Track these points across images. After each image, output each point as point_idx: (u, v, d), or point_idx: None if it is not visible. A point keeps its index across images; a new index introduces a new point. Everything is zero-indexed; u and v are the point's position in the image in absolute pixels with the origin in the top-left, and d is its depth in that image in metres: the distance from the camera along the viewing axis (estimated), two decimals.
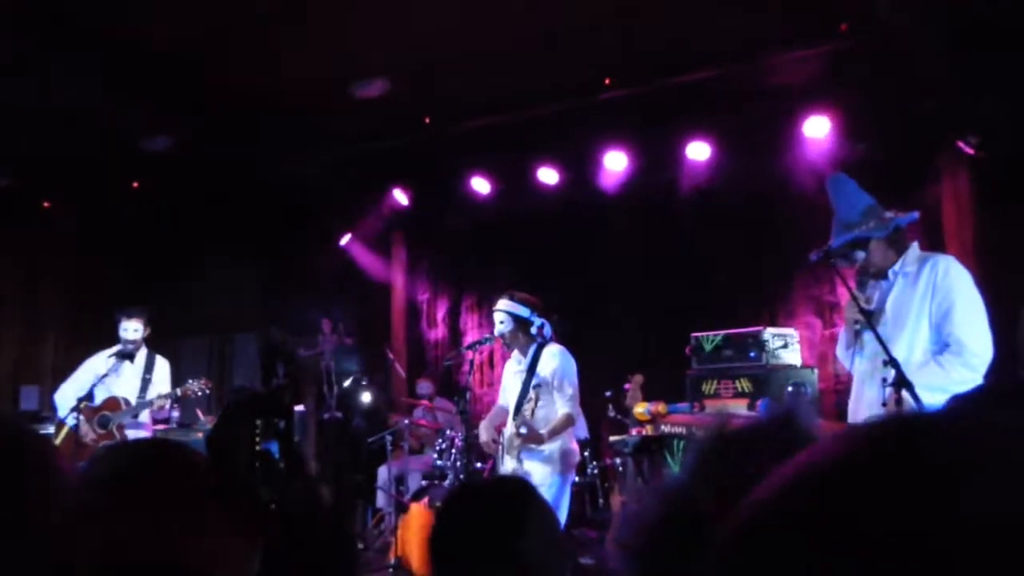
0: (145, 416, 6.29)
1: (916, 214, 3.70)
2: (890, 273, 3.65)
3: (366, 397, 8.46)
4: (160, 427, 6.88)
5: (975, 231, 6.46)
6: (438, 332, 9.58)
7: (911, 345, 3.49)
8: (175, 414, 7.07)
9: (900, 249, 3.64)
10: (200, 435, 7.07)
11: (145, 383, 6.28)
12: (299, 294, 8.99)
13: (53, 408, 6.52)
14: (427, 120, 7.59)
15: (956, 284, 3.50)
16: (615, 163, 7.59)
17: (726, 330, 6.08)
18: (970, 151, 6.37)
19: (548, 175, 7.97)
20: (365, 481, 7.96)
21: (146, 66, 6.49)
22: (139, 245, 9.63)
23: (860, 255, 3.62)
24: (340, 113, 7.31)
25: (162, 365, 6.42)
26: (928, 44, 5.81)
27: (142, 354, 6.34)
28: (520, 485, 1.90)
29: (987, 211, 6.44)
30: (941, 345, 3.48)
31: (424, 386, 8.51)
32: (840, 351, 3.88)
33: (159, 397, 6.22)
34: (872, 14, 5.43)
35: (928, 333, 3.50)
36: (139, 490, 1.19)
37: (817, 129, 6.71)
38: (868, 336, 3.49)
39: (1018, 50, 5.67)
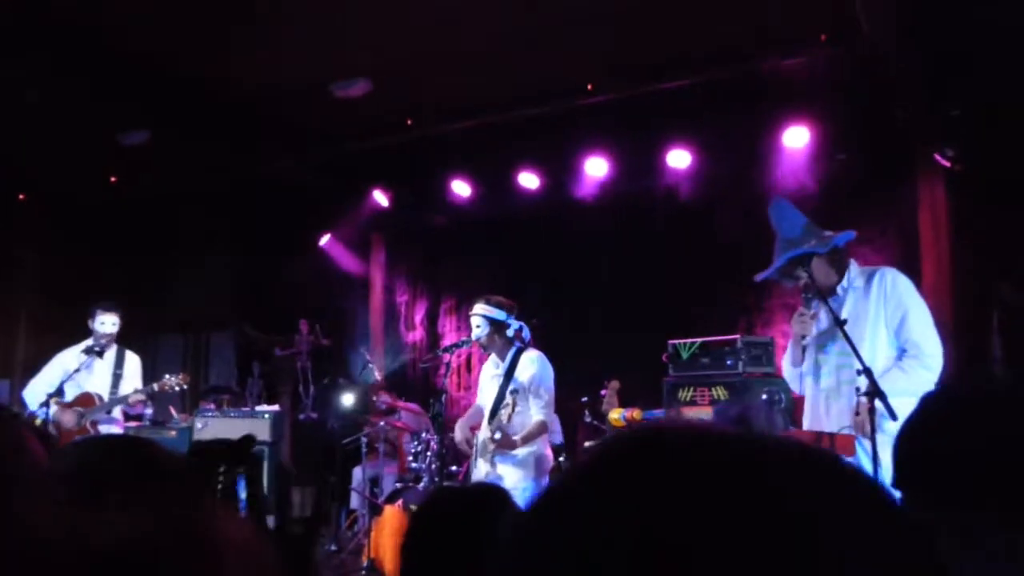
0: (117, 412, 6.23)
1: (852, 233, 3.84)
2: (839, 289, 3.77)
3: (343, 398, 8.41)
4: (133, 424, 6.81)
5: (951, 242, 6.52)
6: (416, 334, 9.55)
7: (873, 354, 3.60)
8: (148, 411, 7.00)
9: (840, 267, 3.78)
10: (173, 433, 7.00)
11: (116, 378, 6.22)
12: (276, 294, 8.94)
13: (22, 403, 6.44)
14: (409, 122, 7.57)
15: (906, 292, 3.67)
16: (596, 169, 7.60)
17: (703, 337, 6.10)
18: (946, 163, 6.43)
19: (529, 179, 7.97)
20: (339, 482, 7.92)
21: (126, 61, 6.44)
22: (114, 240, 9.53)
23: (803, 274, 3.72)
24: (322, 113, 7.27)
25: (132, 360, 6.35)
26: (903, 58, 5.87)
27: (112, 349, 6.27)
28: (495, 492, 1.89)
29: (963, 222, 6.50)
30: (899, 350, 3.62)
31: (382, 401, 8.44)
32: (787, 370, 3.94)
33: (135, 392, 6.15)
34: (852, 25, 5.47)
35: (887, 340, 3.63)
36: (106, 485, 1.17)
37: (797, 139, 6.75)
38: (826, 353, 3.58)
39: (989, 67, 5.74)
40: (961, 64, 5.95)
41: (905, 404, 3.40)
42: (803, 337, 3.67)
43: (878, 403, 3.12)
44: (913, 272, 6.12)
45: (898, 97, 6.30)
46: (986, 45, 5.61)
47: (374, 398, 8.32)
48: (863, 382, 3.21)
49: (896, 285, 3.67)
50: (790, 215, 3.83)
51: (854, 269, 3.78)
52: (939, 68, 6.02)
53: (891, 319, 3.62)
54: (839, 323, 3.47)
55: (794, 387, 3.99)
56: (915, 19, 5.47)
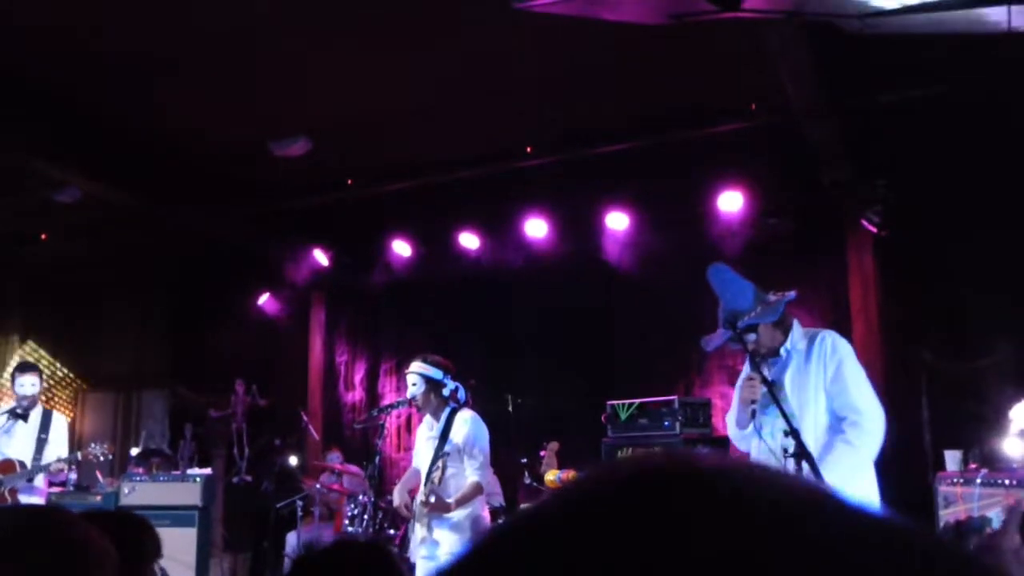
0: (40, 481, 5.98)
1: (794, 293, 3.84)
2: (783, 351, 3.78)
3: (284, 461, 8.23)
4: (56, 490, 6.56)
5: (879, 306, 6.70)
6: (355, 395, 9.43)
7: (816, 420, 3.61)
8: (73, 476, 6.76)
9: (785, 328, 3.79)
10: (99, 498, 6.76)
11: (40, 443, 5.99)
12: (212, 353, 8.77)
13: None
14: (349, 182, 7.59)
15: (843, 355, 3.69)
16: (535, 230, 7.68)
17: (641, 398, 6.14)
18: (873, 229, 6.64)
19: (469, 240, 8.01)
20: (272, 548, 7.69)
21: (59, 115, 6.36)
22: (44, 296, 9.30)
23: (751, 338, 3.74)
24: (261, 170, 7.25)
25: (59, 423, 6.14)
26: (826, 130, 6.09)
27: (37, 412, 6.06)
28: (375, 551, 1.79)
29: (890, 286, 6.70)
30: (837, 418, 3.61)
31: (334, 456, 8.31)
32: (732, 431, 3.94)
33: (57, 461, 5.93)
34: (780, 95, 5.67)
35: (826, 406, 3.64)
36: (12, 562, 1.14)
37: (731, 203, 6.92)
38: (766, 416, 3.59)
39: (909, 138, 6.00)
40: (880, 138, 6.21)
41: (860, 479, 3.47)
42: (752, 402, 3.65)
43: (805, 465, 3.15)
44: (844, 333, 6.27)
45: (824, 166, 6.52)
46: (899, 122, 5.87)
47: (326, 453, 8.17)
48: (791, 444, 3.24)
49: (836, 349, 3.69)
50: (734, 283, 3.80)
51: (797, 331, 3.80)
52: (860, 141, 6.27)
53: (830, 384, 3.63)
54: (769, 386, 3.47)
55: (741, 447, 3.98)
56: (833, 97, 5.69)
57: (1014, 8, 4.19)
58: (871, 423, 3.56)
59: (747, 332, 3.72)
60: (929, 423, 6.15)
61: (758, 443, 3.69)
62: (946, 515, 4.79)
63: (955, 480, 4.91)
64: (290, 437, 8.78)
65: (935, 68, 5.38)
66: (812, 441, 3.42)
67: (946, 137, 5.91)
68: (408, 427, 8.71)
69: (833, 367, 3.65)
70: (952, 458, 5.14)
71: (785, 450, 3.30)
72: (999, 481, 4.69)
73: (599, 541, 0.38)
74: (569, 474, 5.63)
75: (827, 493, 0.42)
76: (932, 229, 6.49)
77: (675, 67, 5.69)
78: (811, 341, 3.74)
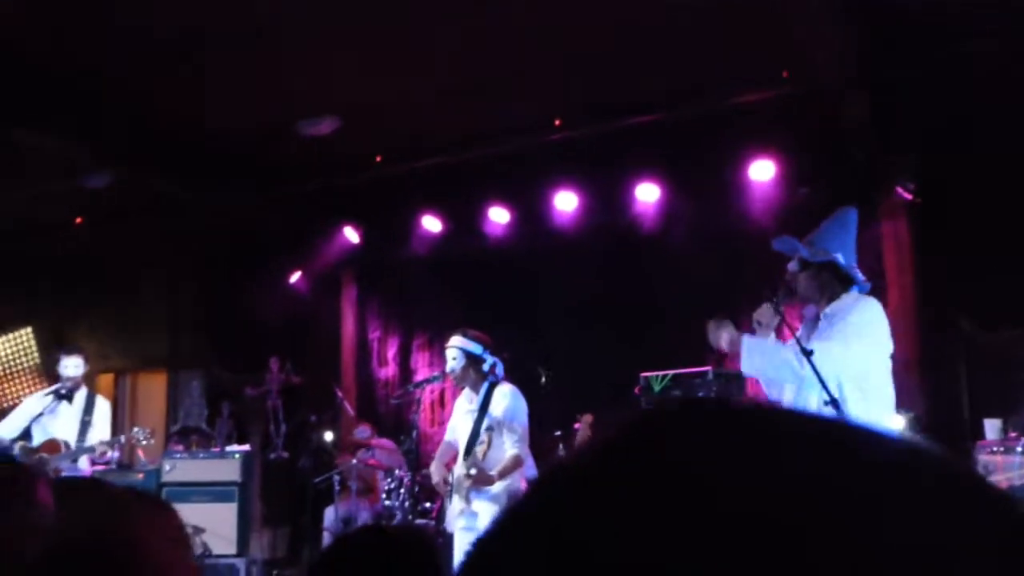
0: (84, 462, 6.10)
1: (867, 285, 3.63)
2: (821, 316, 3.60)
3: (319, 437, 8.33)
4: (99, 468, 6.69)
5: (915, 274, 6.63)
6: (388, 371, 9.50)
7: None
8: (115, 455, 6.89)
9: (827, 291, 3.56)
10: (140, 476, 6.89)
11: (84, 425, 6.10)
12: (246, 332, 8.86)
13: None
14: (378, 158, 7.60)
15: (851, 311, 3.48)
16: (566, 203, 7.66)
17: (675, 370, 6.14)
18: (908, 196, 6.56)
19: (499, 215, 8.00)
20: (311, 522, 7.81)
21: (89, 100, 6.41)
22: (81, 282, 9.44)
23: (792, 267, 3.58)
24: (291, 150, 7.28)
25: (103, 406, 6.25)
26: (856, 101, 6.01)
27: (81, 394, 6.17)
28: (417, 537, 1.79)
29: (927, 255, 6.62)
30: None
31: (363, 431, 8.38)
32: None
33: (101, 444, 6.04)
34: (812, 63, 5.60)
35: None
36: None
37: (763, 172, 6.86)
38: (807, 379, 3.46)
39: (942, 103, 5.90)
40: (913, 104, 6.12)
41: None
42: (758, 323, 3.55)
43: None
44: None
45: (855, 136, 6.44)
46: (932, 88, 5.77)
47: (354, 429, 8.26)
48: (829, 413, 3.20)
49: (847, 307, 3.48)
50: (842, 227, 3.60)
51: (842, 303, 3.54)
52: (893, 106, 6.18)
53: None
54: (806, 353, 3.37)
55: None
56: (863, 66, 5.61)
57: None
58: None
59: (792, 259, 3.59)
60: (968, 392, 6.10)
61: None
62: None
63: (995, 449, 4.89)
64: (325, 413, 8.89)
65: (968, 32, 5.28)
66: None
67: (980, 101, 5.81)
68: (441, 401, 8.77)
69: (836, 319, 3.47)
70: (992, 427, 5.11)
71: None
72: None
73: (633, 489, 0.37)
74: None
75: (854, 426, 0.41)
76: (968, 195, 6.40)
77: (705, 36, 5.63)
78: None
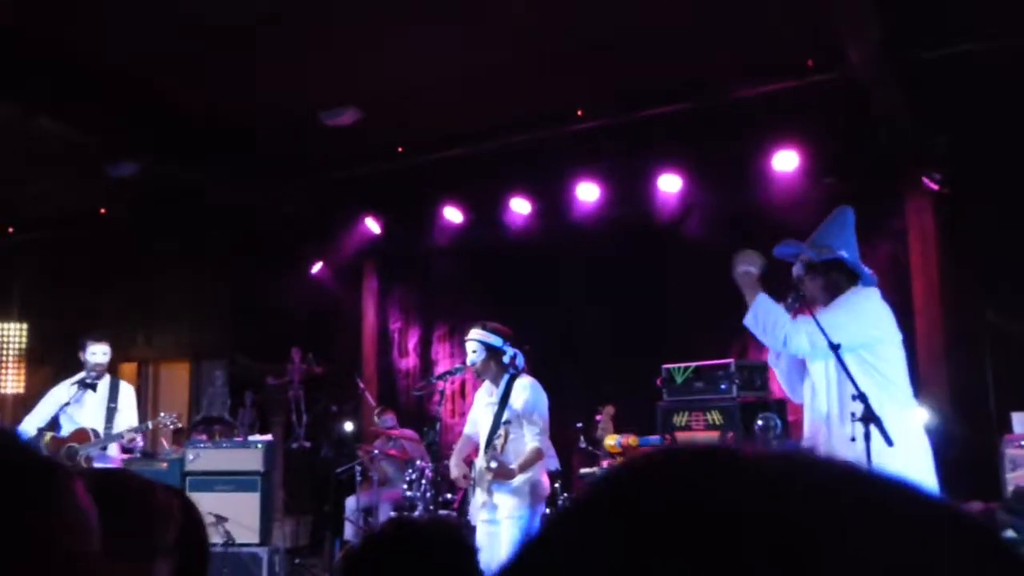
0: (113, 450, 6.15)
1: (873, 279, 3.66)
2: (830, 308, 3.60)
3: (340, 427, 8.38)
4: (124, 456, 6.75)
5: (940, 266, 6.55)
6: (409, 361, 9.52)
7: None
8: (140, 443, 6.95)
9: (832, 290, 3.60)
10: (164, 465, 6.94)
11: (111, 412, 6.15)
12: (269, 322, 8.91)
13: None
14: (400, 149, 7.60)
15: (849, 295, 3.54)
16: (587, 194, 7.63)
17: (697, 362, 6.10)
18: (934, 187, 6.48)
19: (520, 205, 7.99)
20: (333, 512, 7.85)
21: (115, 91, 6.45)
22: (105, 271, 9.52)
23: (798, 270, 3.63)
24: (313, 141, 7.30)
25: (127, 392, 6.30)
26: (885, 84, 5.93)
27: (105, 381, 6.22)
28: (449, 530, 1.80)
29: (953, 245, 6.54)
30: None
31: (388, 419, 8.41)
32: (772, 360, 3.84)
33: (129, 430, 6.09)
34: (838, 51, 5.53)
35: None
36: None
37: (786, 163, 6.79)
38: (831, 376, 3.47)
39: (970, 93, 5.82)
40: (940, 94, 6.03)
41: None
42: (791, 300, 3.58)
43: (873, 429, 3.10)
44: (904, 295, 6.16)
45: (883, 124, 6.36)
46: (959, 77, 5.69)
47: (376, 419, 8.29)
48: (858, 408, 3.19)
49: (845, 297, 3.53)
50: (841, 227, 3.64)
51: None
52: (919, 98, 6.10)
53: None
54: (833, 348, 3.37)
55: (794, 398, 3.85)
56: (891, 52, 5.53)
57: None
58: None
59: (795, 261, 3.66)
60: (994, 384, 6.03)
61: (810, 405, 3.61)
62: (1013, 478, 4.72)
63: (1022, 443, 4.82)
64: (346, 403, 8.93)
65: (996, 20, 5.20)
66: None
67: (1009, 91, 5.72)
68: (462, 393, 8.79)
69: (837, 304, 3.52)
70: (1019, 420, 5.05)
71: (852, 414, 3.24)
72: None
73: (646, 533, 0.40)
74: (629, 438, 5.64)
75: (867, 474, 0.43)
76: (994, 186, 6.31)
77: (729, 25, 5.58)
78: None
